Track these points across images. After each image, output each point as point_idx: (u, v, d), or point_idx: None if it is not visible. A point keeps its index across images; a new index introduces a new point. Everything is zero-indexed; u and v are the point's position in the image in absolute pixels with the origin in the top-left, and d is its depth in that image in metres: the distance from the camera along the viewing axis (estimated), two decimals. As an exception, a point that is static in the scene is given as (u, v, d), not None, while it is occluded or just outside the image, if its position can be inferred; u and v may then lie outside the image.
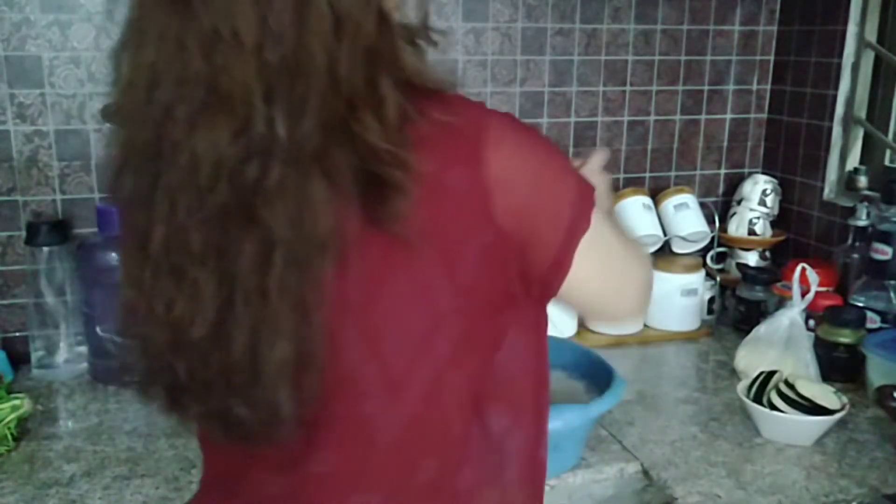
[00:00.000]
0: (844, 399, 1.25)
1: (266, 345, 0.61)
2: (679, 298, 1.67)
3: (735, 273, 1.78)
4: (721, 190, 1.93)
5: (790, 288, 1.44)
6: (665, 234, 1.73)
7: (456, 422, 0.69)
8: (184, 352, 0.63)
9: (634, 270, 0.79)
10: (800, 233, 1.83)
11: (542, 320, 0.76)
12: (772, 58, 1.88)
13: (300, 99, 0.58)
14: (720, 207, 1.89)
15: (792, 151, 1.85)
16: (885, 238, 1.49)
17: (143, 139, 0.61)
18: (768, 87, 1.89)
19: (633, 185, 1.82)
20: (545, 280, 0.70)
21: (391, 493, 0.69)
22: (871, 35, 1.68)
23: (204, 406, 0.66)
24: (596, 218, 0.70)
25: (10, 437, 1.21)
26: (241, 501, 0.72)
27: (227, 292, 0.61)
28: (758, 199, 1.81)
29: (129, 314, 0.67)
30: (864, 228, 1.57)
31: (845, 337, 1.44)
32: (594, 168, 0.89)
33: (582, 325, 1.68)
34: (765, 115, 1.91)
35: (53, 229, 1.46)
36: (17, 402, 1.24)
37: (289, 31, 0.58)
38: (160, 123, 0.60)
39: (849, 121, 1.72)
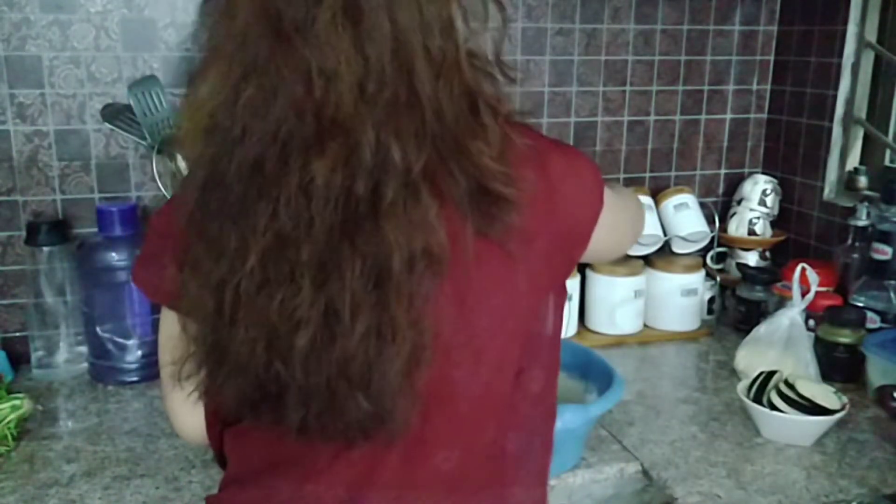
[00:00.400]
0: (844, 399, 1.25)
1: (377, 353, 0.66)
2: (679, 298, 1.67)
3: (735, 273, 1.78)
4: (721, 190, 1.93)
5: (790, 288, 1.44)
6: (665, 234, 1.73)
7: (507, 389, 0.78)
8: (284, 358, 0.67)
9: (631, 218, 0.95)
10: (800, 233, 1.83)
11: (564, 288, 0.86)
12: (772, 58, 1.87)
13: (407, 129, 0.65)
14: (720, 207, 1.89)
15: (792, 151, 1.85)
16: (885, 238, 1.49)
17: (240, 158, 0.65)
18: (768, 87, 1.89)
19: (633, 185, 1.82)
20: (571, 253, 0.82)
21: (465, 451, 0.77)
22: (871, 35, 1.68)
23: (304, 411, 0.69)
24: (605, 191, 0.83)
25: (9, 437, 1.21)
26: (317, 472, 0.76)
27: (328, 303, 0.65)
28: (758, 199, 1.81)
29: (207, 322, 0.70)
30: (864, 228, 1.57)
31: (845, 337, 1.44)
32: None
33: (582, 325, 1.69)
34: (765, 115, 1.91)
35: (53, 229, 1.46)
36: (17, 402, 1.24)
37: (389, 69, 0.64)
38: (263, 145, 0.64)
39: (849, 121, 1.72)
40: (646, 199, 1.74)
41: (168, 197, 1.49)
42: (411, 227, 0.65)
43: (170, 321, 0.80)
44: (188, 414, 0.85)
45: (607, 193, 0.83)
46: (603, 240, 0.84)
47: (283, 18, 0.63)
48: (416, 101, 0.66)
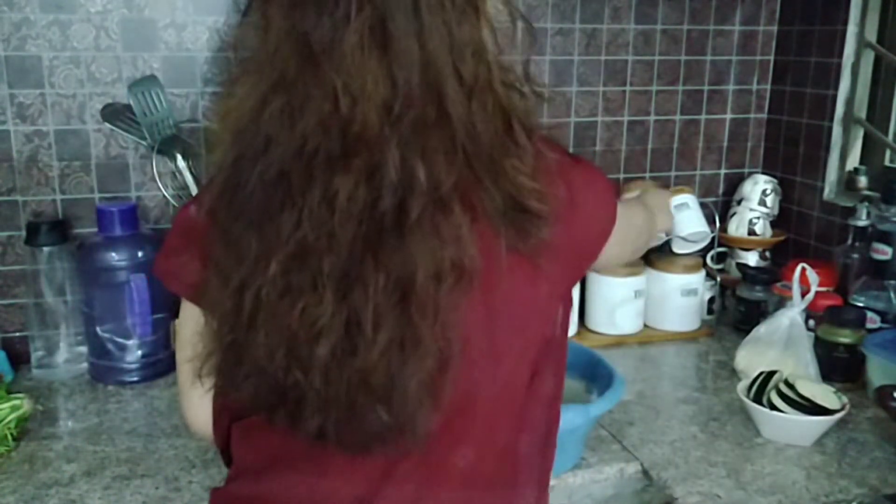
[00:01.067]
0: (844, 399, 1.25)
1: (400, 366, 0.66)
2: (679, 298, 1.67)
3: (735, 273, 1.78)
4: (721, 190, 1.93)
5: (790, 288, 1.44)
6: (665, 235, 1.72)
7: (521, 391, 0.79)
8: (304, 366, 0.67)
9: (640, 231, 1.01)
10: (800, 233, 1.83)
11: (570, 297, 0.91)
12: (772, 58, 1.88)
13: (435, 149, 0.66)
14: (720, 207, 1.89)
15: (792, 151, 1.85)
16: (885, 238, 1.49)
17: (263, 167, 0.66)
18: (768, 87, 1.89)
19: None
20: (582, 264, 0.86)
21: (480, 449, 0.78)
22: (871, 35, 1.68)
23: (322, 419, 0.70)
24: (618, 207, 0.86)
25: (9, 437, 1.21)
26: (334, 468, 0.76)
27: (351, 314, 0.66)
28: (758, 199, 1.81)
29: (225, 321, 0.71)
30: (864, 228, 1.57)
31: (845, 337, 1.43)
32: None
33: (582, 325, 1.69)
34: (765, 115, 1.91)
35: (53, 229, 1.46)
36: (17, 402, 1.24)
37: (417, 91, 0.65)
38: (289, 157, 0.66)
39: (849, 121, 1.72)
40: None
41: (168, 197, 1.49)
42: (440, 242, 0.66)
43: (192, 319, 0.80)
44: (204, 411, 0.85)
45: (618, 209, 0.86)
46: (607, 252, 0.86)
47: (311, 40, 0.65)
48: (446, 122, 0.67)
